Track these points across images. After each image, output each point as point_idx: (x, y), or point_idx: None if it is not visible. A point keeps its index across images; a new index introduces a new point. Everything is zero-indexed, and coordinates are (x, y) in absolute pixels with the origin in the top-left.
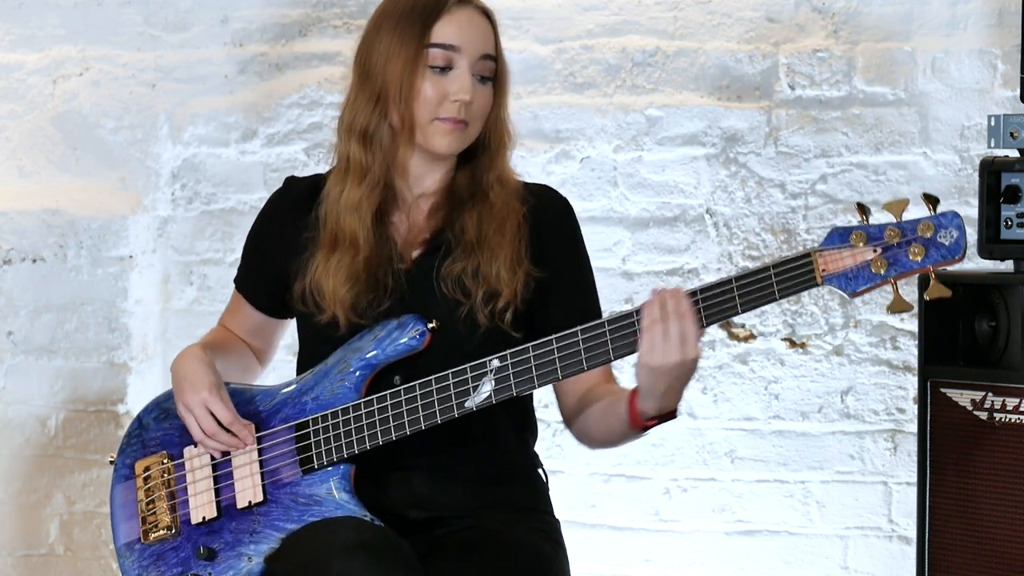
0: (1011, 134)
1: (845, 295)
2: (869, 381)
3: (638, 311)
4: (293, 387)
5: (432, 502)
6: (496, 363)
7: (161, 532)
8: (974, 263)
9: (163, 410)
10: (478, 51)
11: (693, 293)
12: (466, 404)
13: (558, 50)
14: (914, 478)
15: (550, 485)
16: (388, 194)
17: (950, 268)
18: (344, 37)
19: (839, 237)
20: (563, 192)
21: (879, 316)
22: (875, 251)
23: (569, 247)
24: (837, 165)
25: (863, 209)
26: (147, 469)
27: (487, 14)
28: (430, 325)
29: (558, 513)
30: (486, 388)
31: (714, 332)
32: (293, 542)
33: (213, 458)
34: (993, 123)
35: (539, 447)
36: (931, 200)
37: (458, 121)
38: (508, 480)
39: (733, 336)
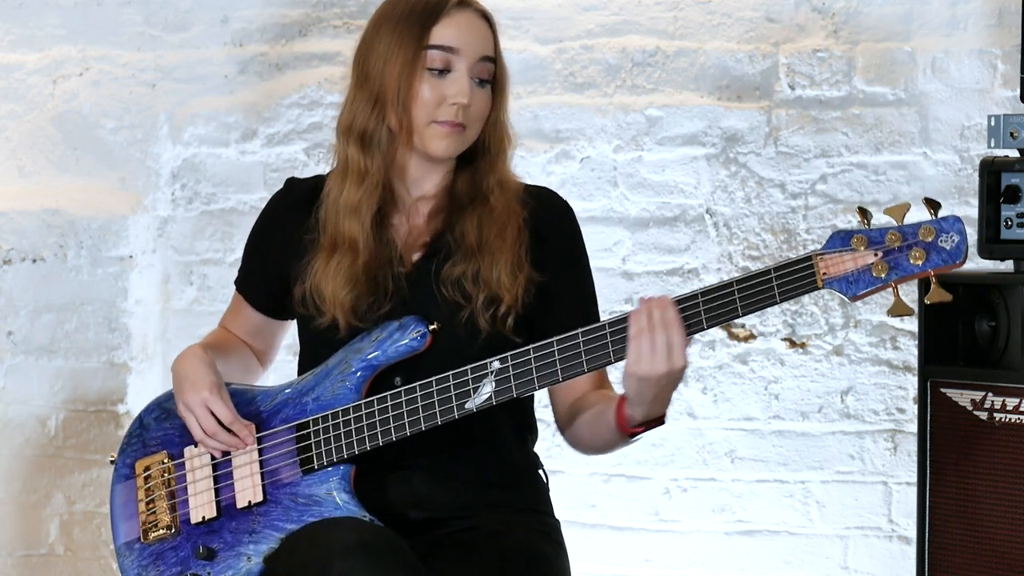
0: (1011, 134)
1: (846, 298)
2: (869, 381)
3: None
4: (294, 388)
5: (432, 503)
6: (497, 364)
7: (161, 531)
8: (974, 263)
9: (164, 410)
10: (477, 54)
11: (694, 295)
12: (466, 405)
13: (558, 50)
14: (914, 478)
15: (550, 485)
16: (387, 196)
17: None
18: (344, 37)
19: (840, 240)
20: (563, 192)
21: (879, 316)
22: (876, 255)
23: (569, 251)
24: (837, 165)
25: (864, 213)
26: (147, 469)
27: (487, 17)
28: (431, 326)
29: (558, 513)
30: (487, 389)
31: (714, 332)
32: (293, 542)
33: (213, 458)
34: (993, 123)
35: (539, 447)
36: (932, 204)
37: (455, 124)
38: (508, 481)
39: (733, 336)
